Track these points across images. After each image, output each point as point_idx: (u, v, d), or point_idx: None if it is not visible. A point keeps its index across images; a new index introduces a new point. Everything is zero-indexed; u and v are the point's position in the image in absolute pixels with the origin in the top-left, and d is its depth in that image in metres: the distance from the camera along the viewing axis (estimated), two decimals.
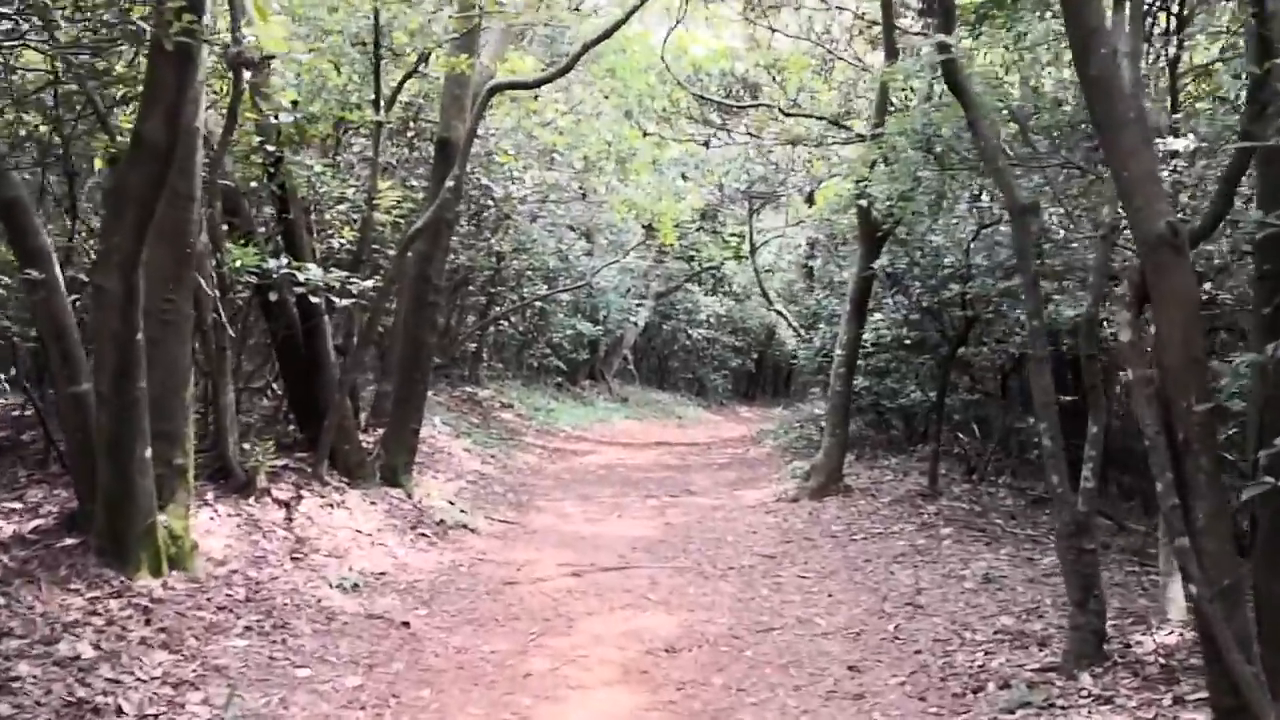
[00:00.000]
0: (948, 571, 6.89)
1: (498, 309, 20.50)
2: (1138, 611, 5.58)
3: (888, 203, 8.76)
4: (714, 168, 16.21)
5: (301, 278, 7.29)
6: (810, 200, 15.50)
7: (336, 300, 7.78)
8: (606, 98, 14.12)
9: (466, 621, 5.95)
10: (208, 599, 5.42)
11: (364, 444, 8.81)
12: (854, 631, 5.84)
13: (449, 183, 7.69)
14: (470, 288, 19.39)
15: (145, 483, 5.39)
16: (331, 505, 7.62)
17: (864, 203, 9.10)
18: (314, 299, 7.44)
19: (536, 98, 11.44)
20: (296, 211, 8.19)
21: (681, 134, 15.43)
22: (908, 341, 10.44)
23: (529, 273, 19.74)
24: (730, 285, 23.79)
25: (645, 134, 14.79)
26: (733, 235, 19.40)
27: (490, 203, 12.53)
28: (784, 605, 6.42)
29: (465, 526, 8.42)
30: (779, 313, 18.10)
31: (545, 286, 21.19)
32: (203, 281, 6.38)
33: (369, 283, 7.83)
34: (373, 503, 8.09)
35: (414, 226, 7.85)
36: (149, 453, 5.37)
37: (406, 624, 5.76)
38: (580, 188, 19.88)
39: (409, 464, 8.80)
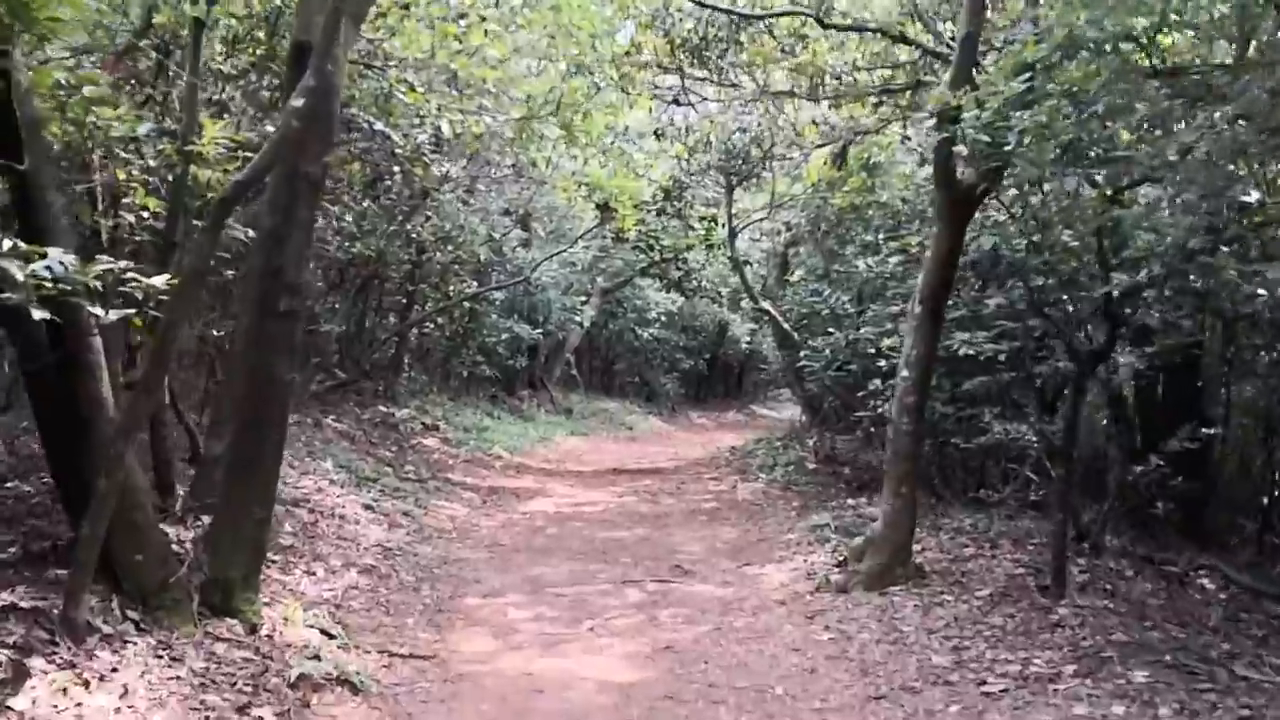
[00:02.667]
0: None
1: (419, 309, 17.09)
2: None
3: (1003, 150, 5.61)
4: (694, 126, 12.94)
5: (19, 273, 3.90)
6: (840, 161, 12.32)
7: (100, 312, 4.41)
8: (553, 38, 10.79)
9: None
10: None
11: (175, 546, 5.40)
12: None
13: (295, 101, 4.34)
14: (386, 284, 15.98)
15: None
16: (87, 681, 4.22)
17: (961, 149, 5.94)
18: (38, 313, 4.01)
19: (462, 18, 8.09)
20: (37, 161, 4.75)
21: (645, 88, 12.13)
22: (991, 357, 7.31)
23: (456, 267, 16.36)
24: (699, 280, 20.53)
25: (599, 87, 11.51)
26: (702, 219, 16.16)
27: (396, 169, 9.13)
28: None
29: (344, 681, 5.05)
30: (766, 311, 14.90)
31: (475, 283, 17.85)
32: None
33: (160, 279, 4.44)
34: (175, 659, 4.68)
35: (234, 179, 4.47)
36: None
37: None
38: (514, 164, 16.60)
39: (252, 574, 5.39)
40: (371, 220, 10.79)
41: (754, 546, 8.85)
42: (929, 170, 12.66)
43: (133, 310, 4.49)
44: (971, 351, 7.14)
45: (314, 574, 6.67)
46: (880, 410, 9.68)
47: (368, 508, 9.06)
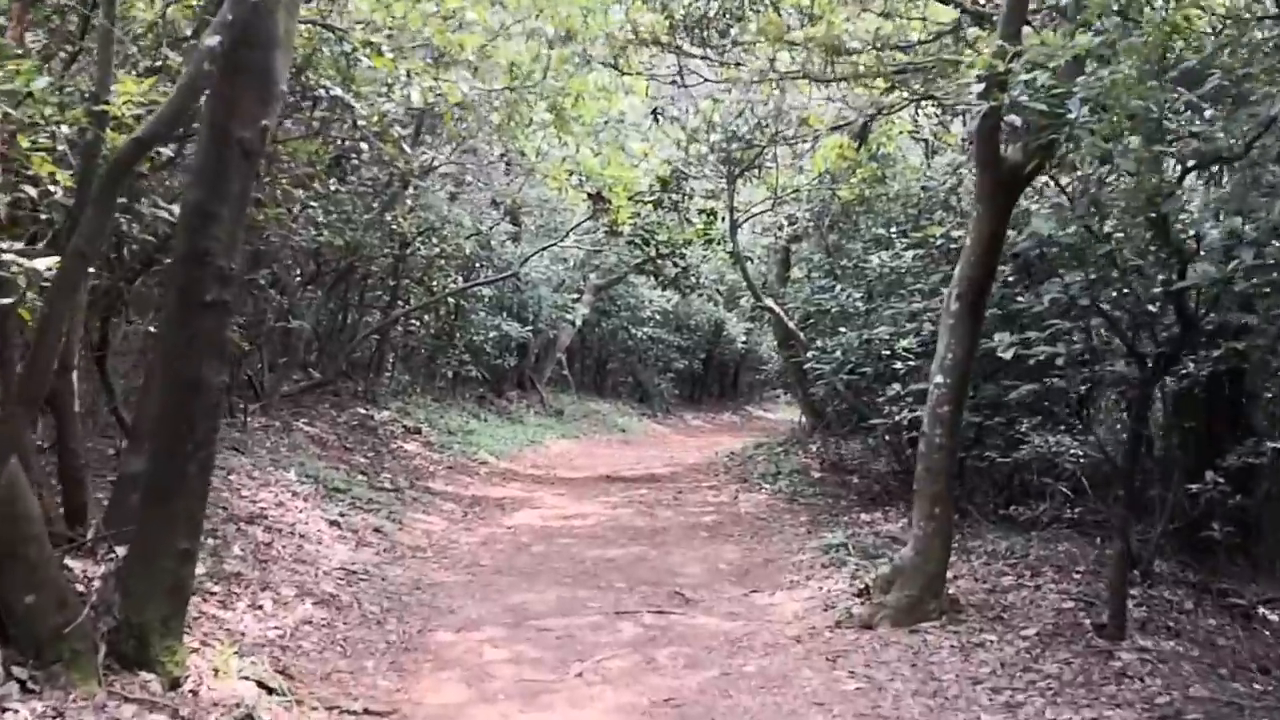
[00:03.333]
0: None
1: (402, 305, 16.19)
2: None
3: (1063, 120, 4.76)
4: (693, 110, 12.04)
5: None
6: (862, 137, 11.46)
7: None
8: (541, 11, 9.97)
9: None
10: None
11: (80, 584, 4.53)
12: None
13: (209, 39, 3.44)
14: (368, 279, 15.07)
15: None
16: None
17: (1014, 119, 5.09)
18: None
19: None
20: None
21: (641, 68, 11.26)
22: (1045, 360, 6.41)
23: (441, 261, 15.47)
24: (697, 276, 19.65)
25: (589, 59, 10.69)
26: (701, 212, 15.28)
27: (364, 145, 8.23)
28: None
29: None
30: (768, 309, 14.03)
31: (461, 278, 16.99)
32: None
33: (47, 262, 3.58)
34: None
35: (132, 136, 3.59)
36: None
37: None
38: (502, 154, 15.77)
39: (174, 617, 4.50)
40: (341, 207, 9.88)
41: (761, 569, 8.00)
42: (943, 159, 11.90)
43: (10, 300, 3.64)
44: (1009, 355, 6.25)
45: (260, 607, 5.79)
46: (898, 418, 8.85)
47: (333, 523, 8.20)
